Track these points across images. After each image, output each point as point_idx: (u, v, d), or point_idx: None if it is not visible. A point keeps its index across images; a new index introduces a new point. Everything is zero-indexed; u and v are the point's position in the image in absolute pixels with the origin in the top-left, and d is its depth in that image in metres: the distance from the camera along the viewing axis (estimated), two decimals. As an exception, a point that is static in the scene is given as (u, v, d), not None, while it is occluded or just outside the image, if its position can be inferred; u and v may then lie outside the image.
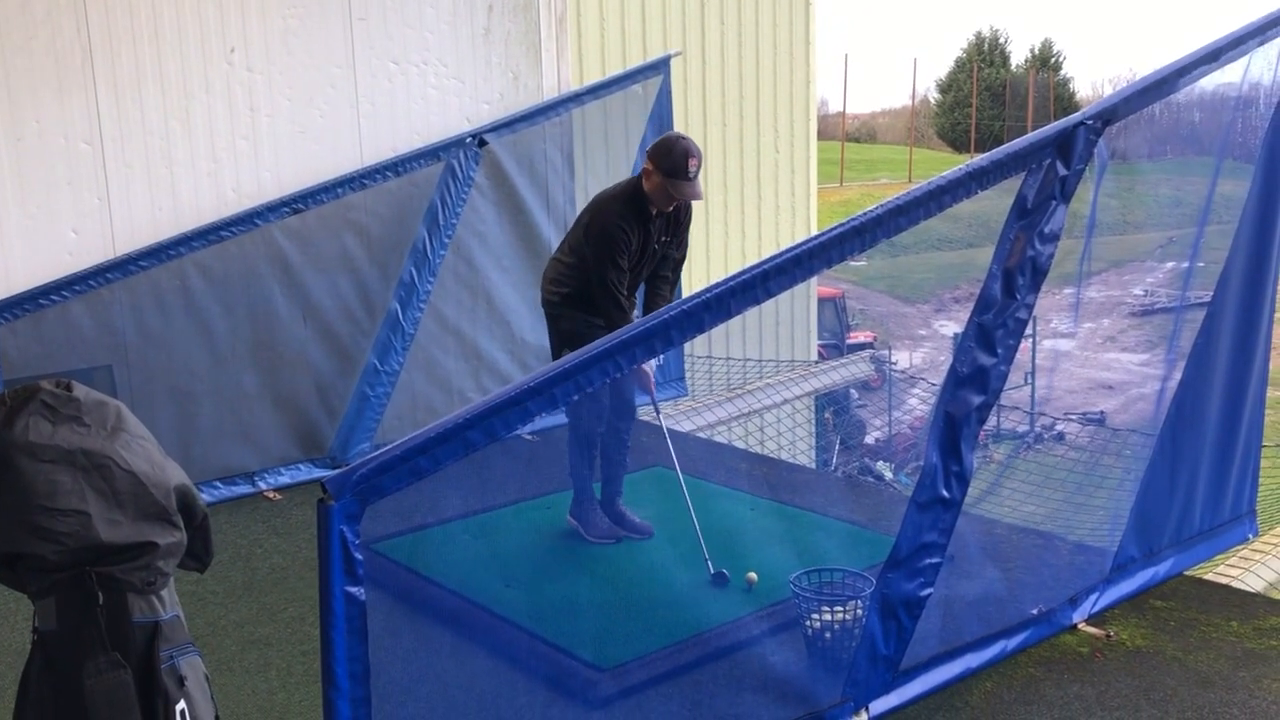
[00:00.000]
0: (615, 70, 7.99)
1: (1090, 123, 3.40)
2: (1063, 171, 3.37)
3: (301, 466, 6.02)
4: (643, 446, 5.25)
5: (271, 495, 5.81)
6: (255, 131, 5.82)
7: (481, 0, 6.54)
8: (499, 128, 6.43)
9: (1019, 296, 3.38)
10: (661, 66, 7.08)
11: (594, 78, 7.84)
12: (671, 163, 4.40)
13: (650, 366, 4.81)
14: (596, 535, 4.73)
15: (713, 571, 4.36)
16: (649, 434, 5.25)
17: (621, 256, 4.49)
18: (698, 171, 4.44)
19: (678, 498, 4.72)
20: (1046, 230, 3.38)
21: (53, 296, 5.16)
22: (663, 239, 4.67)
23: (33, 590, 2.27)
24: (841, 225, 3.07)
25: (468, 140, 6.30)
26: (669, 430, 4.89)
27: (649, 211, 4.53)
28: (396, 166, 6.09)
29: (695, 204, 4.71)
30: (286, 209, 5.76)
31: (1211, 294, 4.16)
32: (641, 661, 3.76)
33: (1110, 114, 3.47)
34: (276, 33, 5.82)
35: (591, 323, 4.53)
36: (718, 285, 2.93)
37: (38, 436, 2.23)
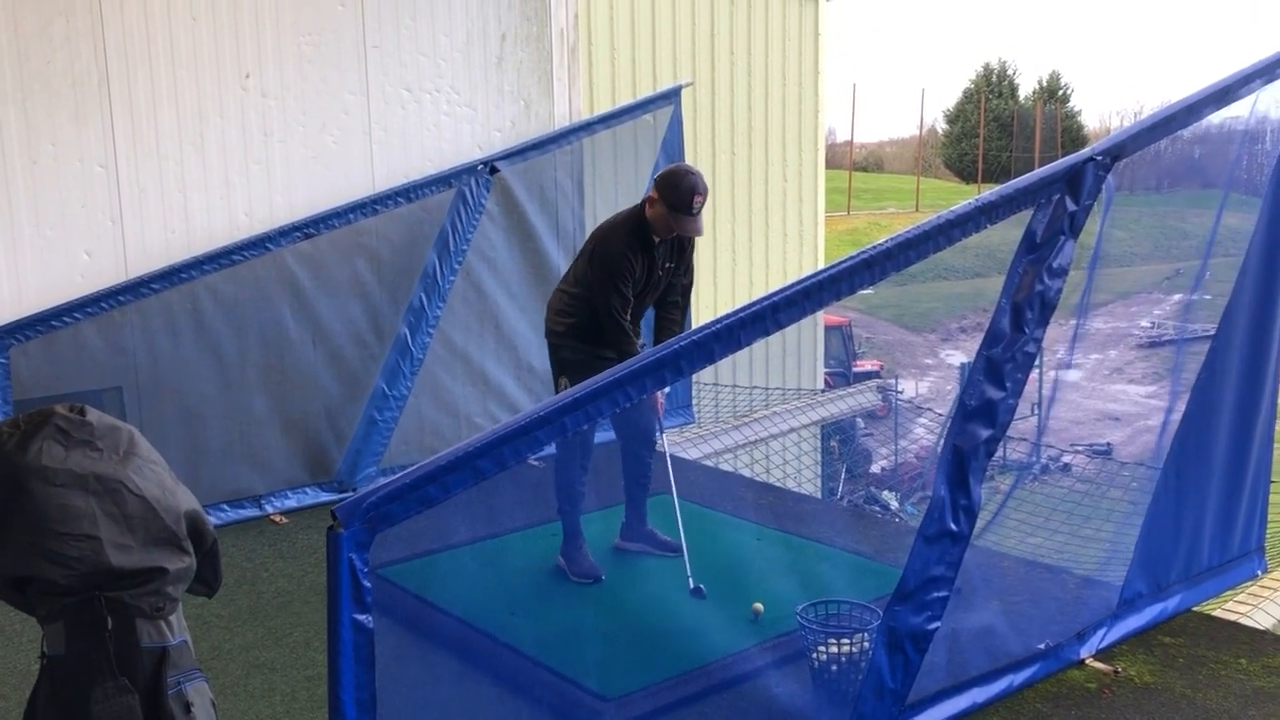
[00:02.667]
0: (626, 100, 8.06)
1: (1099, 158, 3.42)
2: (1072, 207, 3.38)
3: (308, 490, 6.03)
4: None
5: (278, 519, 5.82)
6: (268, 156, 5.86)
7: (494, 29, 6.60)
8: (510, 155, 6.47)
9: (1028, 330, 3.38)
10: (673, 96, 7.13)
11: (605, 107, 7.91)
12: (677, 197, 4.44)
13: (660, 392, 4.83)
14: (577, 573, 4.71)
15: (692, 586, 4.39)
16: (659, 462, 5.25)
17: (625, 284, 4.52)
18: (701, 208, 4.48)
19: (686, 526, 4.71)
20: (1055, 265, 3.39)
21: (65, 318, 5.18)
22: (667, 265, 4.69)
23: (41, 614, 2.27)
24: (851, 258, 3.08)
25: (479, 167, 6.35)
26: (671, 456, 4.91)
27: (652, 238, 4.57)
28: (408, 192, 6.13)
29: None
30: (298, 233, 5.79)
31: (1216, 327, 4.16)
32: (647, 692, 3.75)
33: (1119, 150, 3.49)
34: (291, 59, 5.88)
35: (595, 354, 4.55)
36: (728, 316, 2.94)
37: (51, 460, 2.25)
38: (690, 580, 4.43)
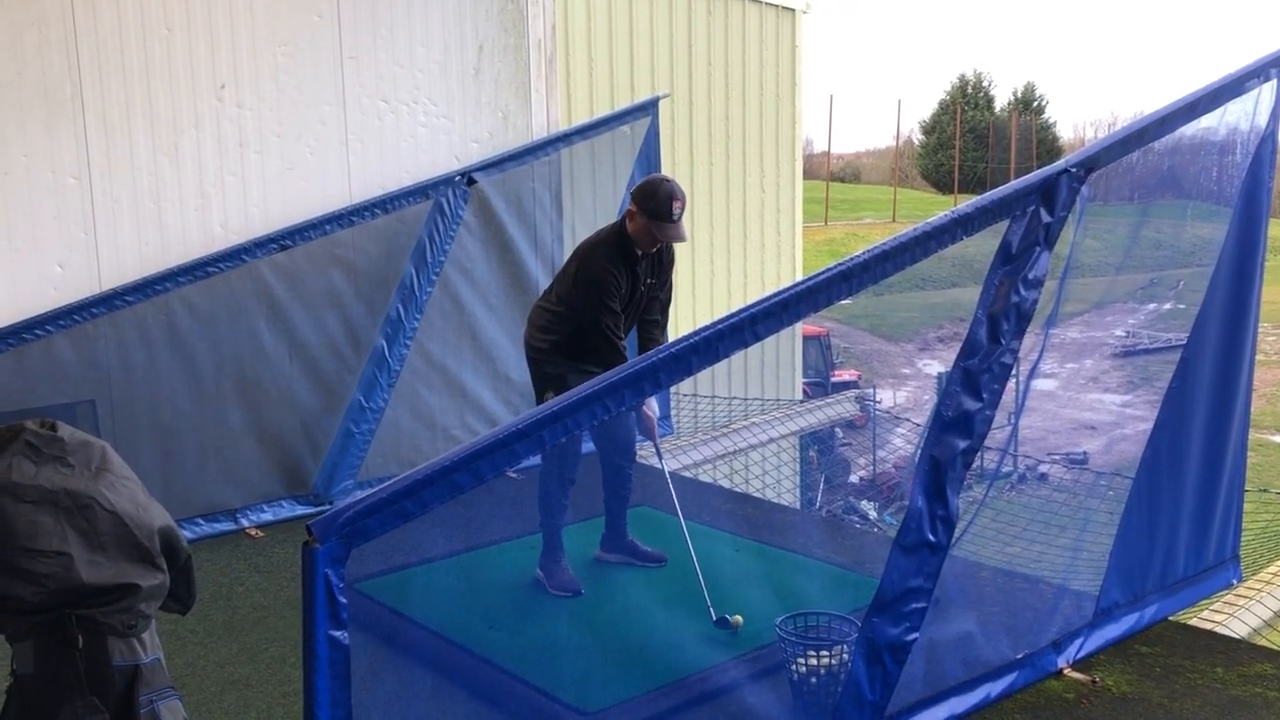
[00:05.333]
0: (604, 111, 8.06)
1: (1074, 170, 3.44)
2: (1046, 219, 3.40)
3: (285, 503, 5.98)
4: (629, 485, 5.22)
5: (254, 533, 5.76)
6: (244, 168, 5.83)
7: (472, 40, 6.60)
8: (488, 166, 6.46)
9: (1004, 341, 3.40)
10: (650, 108, 7.15)
11: (583, 118, 7.91)
12: (656, 205, 4.44)
13: (654, 410, 4.81)
14: (556, 586, 4.69)
15: (715, 618, 4.29)
16: (639, 473, 5.23)
17: (612, 300, 4.51)
18: (681, 213, 4.49)
19: (665, 538, 4.69)
20: (1030, 276, 3.41)
21: (36, 331, 5.12)
22: (649, 281, 4.69)
23: (10, 633, 2.24)
24: (829, 270, 3.09)
25: (456, 178, 6.34)
26: (670, 474, 4.85)
27: (635, 253, 4.56)
28: (385, 204, 6.11)
29: (679, 243, 4.75)
30: (274, 245, 5.76)
31: (1187, 336, 4.19)
32: (624, 706, 3.73)
33: (1092, 162, 3.52)
34: (267, 70, 5.85)
35: (578, 368, 4.53)
36: (706, 328, 2.94)
37: (20, 477, 2.22)
38: (712, 611, 4.30)
